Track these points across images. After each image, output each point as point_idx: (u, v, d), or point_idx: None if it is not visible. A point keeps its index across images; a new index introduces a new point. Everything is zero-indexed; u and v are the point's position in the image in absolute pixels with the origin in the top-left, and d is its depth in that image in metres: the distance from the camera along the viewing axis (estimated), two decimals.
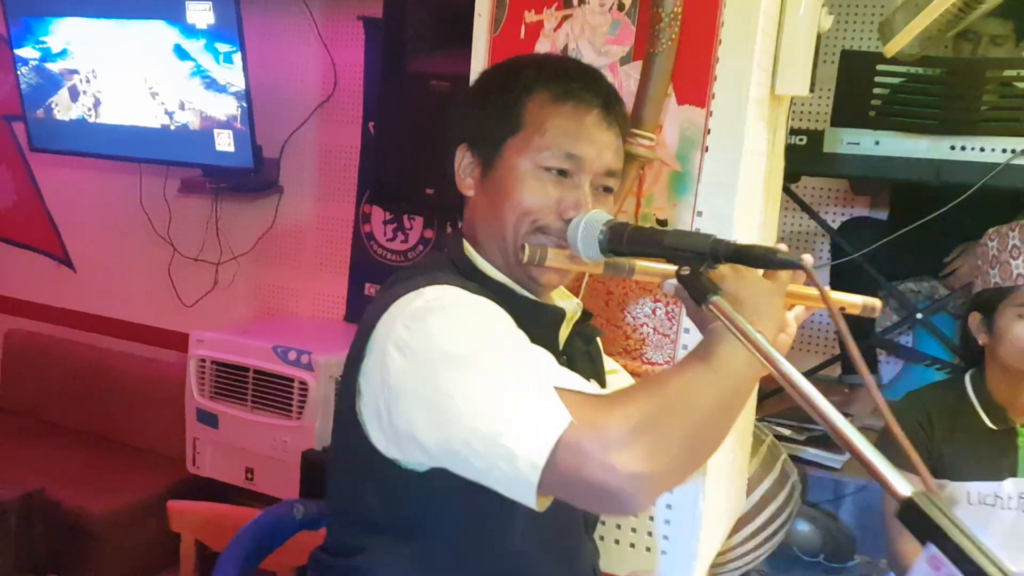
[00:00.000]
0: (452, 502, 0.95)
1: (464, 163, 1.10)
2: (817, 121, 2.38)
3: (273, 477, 3.20)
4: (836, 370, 2.80)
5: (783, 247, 0.92)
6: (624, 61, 1.41)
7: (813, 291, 1.01)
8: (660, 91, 1.36)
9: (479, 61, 1.50)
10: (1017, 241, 1.80)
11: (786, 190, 2.62)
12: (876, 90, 2.25)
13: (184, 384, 3.61)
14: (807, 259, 0.91)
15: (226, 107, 3.35)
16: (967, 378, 1.84)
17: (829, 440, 2.29)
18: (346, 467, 1.05)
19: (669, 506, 1.40)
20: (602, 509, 1.00)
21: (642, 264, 0.99)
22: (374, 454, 0.96)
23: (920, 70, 2.23)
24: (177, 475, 3.48)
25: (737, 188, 1.36)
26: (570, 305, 1.13)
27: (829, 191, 2.94)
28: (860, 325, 2.78)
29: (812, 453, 2.29)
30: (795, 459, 2.28)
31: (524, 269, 1.04)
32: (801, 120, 2.47)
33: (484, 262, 1.07)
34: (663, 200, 1.41)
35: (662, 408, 0.84)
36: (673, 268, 0.93)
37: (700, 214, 1.38)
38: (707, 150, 1.37)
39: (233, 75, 3.27)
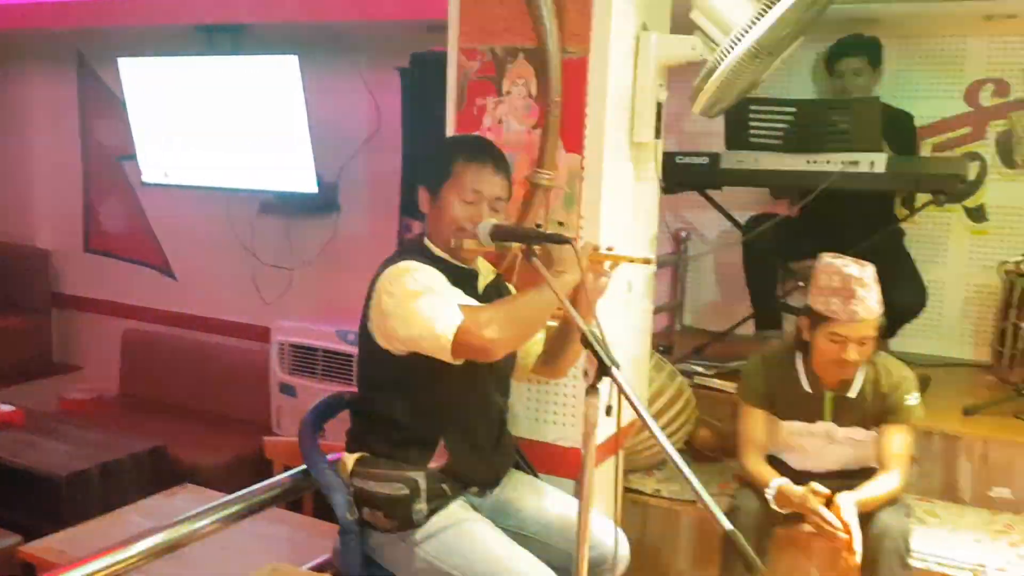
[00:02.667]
0: (418, 366, 1.87)
1: (423, 196, 2.03)
2: (718, 146, 3.24)
3: (338, 430, 4.16)
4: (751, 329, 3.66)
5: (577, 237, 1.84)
6: (534, 127, 2.33)
7: (615, 254, 1.91)
8: (554, 144, 2.28)
9: (450, 127, 2.44)
10: (836, 283, 2.33)
11: (706, 196, 3.53)
12: (751, 123, 3.11)
13: (267, 366, 4.61)
14: (587, 240, 1.82)
15: (294, 144, 4.25)
16: (798, 357, 2.51)
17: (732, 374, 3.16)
18: (364, 359, 2.00)
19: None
20: (481, 358, 1.86)
21: (514, 244, 1.93)
22: (377, 348, 1.90)
23: (781, 108, 3.10)
24: (265, 435, 4.46)
25: (602, 202, 2.27)
26: (485, 270, 2.07)
27: (754, 195, 3.78)
28: (768, 291, 3.65)
29: (717, 383, 3.18)
30: (705, 387, 3.17)
31: (455, 251, 1.97)
32: (707, 145, 3.32)
33: (435, 248, 2.00)
34: (560, 211, 2.32)
35: (506, 311, 1.78)
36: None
37: (582, 218, 2.29)
38: (583, 180, 2.28)
39: (297, 118, 4.19)
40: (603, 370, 1.61)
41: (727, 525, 1.44)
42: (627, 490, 2.81)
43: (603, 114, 2.25)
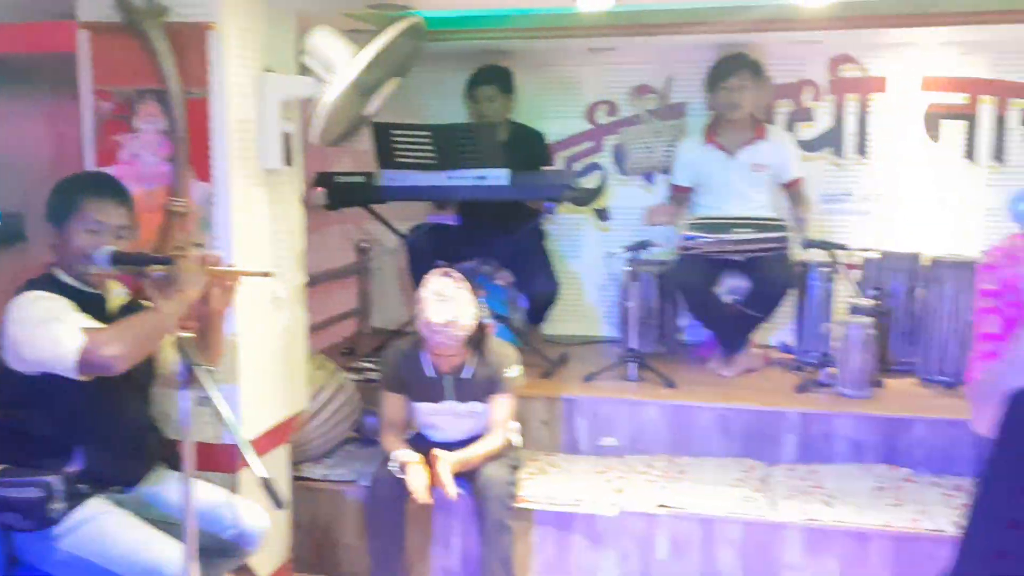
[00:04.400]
0: (50, 383, 2.08)
1: (51, 230, 2.24)
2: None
3: None
4: None
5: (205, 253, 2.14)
6: (167, 160, 2.59)
7: (232, 270, 2.23)
8: (185, 175, 2.56)
9: (89, 163, 2.65)
10: (429, 293, 2.79)
11: (370, 211, 3.92)
12: (396, 145, 3.55)
13: None
14: (193, 253, 2.12)
15: None
16: (422, 348, 2.90)
17: None
18: (6, 380, 2.19)
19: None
20: (106, 373, 2.10)
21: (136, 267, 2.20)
22: (9, 370, 2.10)
23: (418, 132, 3.55)
24: None
25: (234, 224, 2.58)
26: (117, 292, 2.32)
27: (419, 208, 4.24)
28: None
29: None
30: (374, 381, 3.56)
31: (85, 277, 2.20)
32: (363, 166, 3.72)
33: (63, 276, 2.22)
34: (198, 233, 2.60)
35: (124, 329, 2.05)
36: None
37: (216, 238, 2.59)
38: (213, 204, 2.58)
39: None
40: (191, 371, 1.93)
41: (262, 473, 1.80)
42: (298, 478, 3.14)
43: (227, 146, 2.57)
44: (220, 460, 2.64)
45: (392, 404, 2.94)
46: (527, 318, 4.20)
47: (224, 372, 2.58)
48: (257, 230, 2.74)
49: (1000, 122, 4.04)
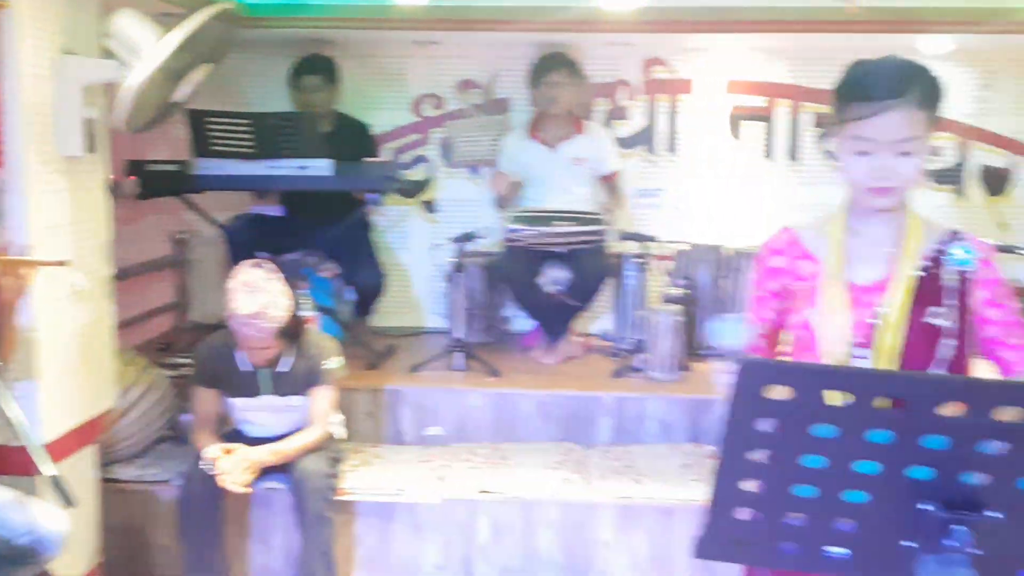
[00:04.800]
0: None
1: None
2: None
3: None
4: None
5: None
6: None
7: (25, 258, 2.10)
8: None
9: None
10: (237, 284, 2.74)
11: (185, 200, 3.78)
12: (211, 133, 3.44)
13: None
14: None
15: None
16: (235, 342, 2.86)
17: None
18: None
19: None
20: None
21: None
22: None
23: (236, 120, 3.46)
24: None
25: (29, 213, 2.43)
26: None
27: (241, 198, 4.13)
28: None
29: None
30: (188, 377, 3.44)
31: None
32: (182, 154, 3.59)
33: None
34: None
35: None
36: None
37: (8, 227, 2.43)
38: (4, 191, 2.42)
39: None
40: None
41: (51, 472, 1.73)
42: (109, 479, 2.99)
43: (20, 132, 2.41)
44: (15, 463, 2.48)
45: (204, 400, 2.86)
46: (353, 310, 4.18)
47: (19, 368, 2.44)
48: (55, 219, 2.59)
49: (794, 124, 4.38)
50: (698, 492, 3.01)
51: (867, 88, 1.53)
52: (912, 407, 1.07)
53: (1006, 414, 1.06)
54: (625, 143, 4.41)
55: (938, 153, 4.32)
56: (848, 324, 1.60)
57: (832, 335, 1.60)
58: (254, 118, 3.44)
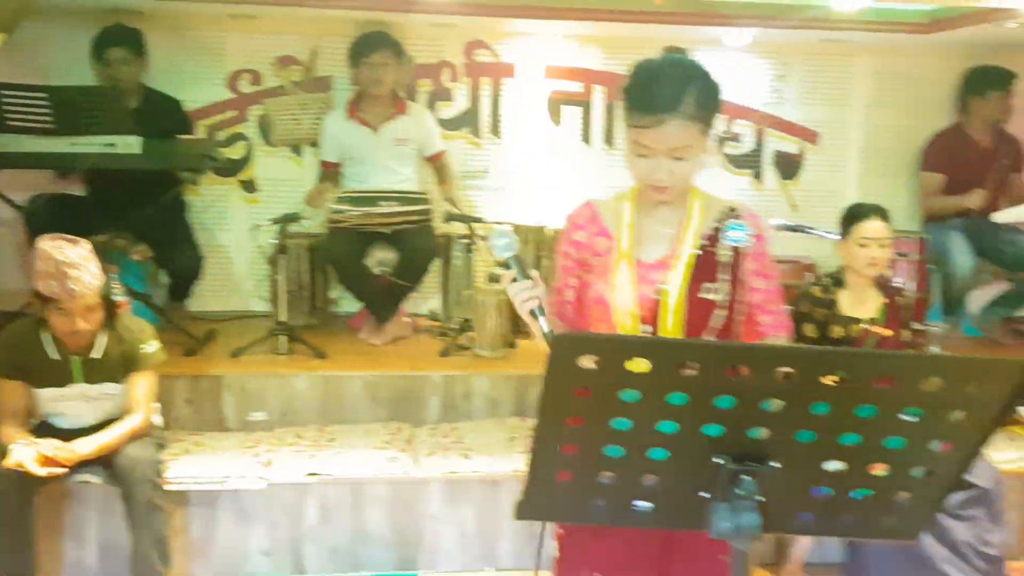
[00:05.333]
0: None
1: None
2: None
3: None
4: None
5: None
6: None
7: None
8: None
9: None
10: (51, 268, 2.51)
11: None
12: (5, 108, 3.19)
13: None
14: None
15: None
16: (43, 329, 2.67)
17: None
18: None
19: None
20: None
21: None
22: None
23: (34, 93, 3.24)
24: None
25: None
26: None
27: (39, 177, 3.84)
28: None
29: None
30: None
31: None
32: None
33: None
34: None
35: None
36: None
37: None
38: None
39: None
40: None
41: None
42: None
43: None
44: None
45: (8, 392, 2.66)
46: (168, 294, 4.02)
47: None
48: None
49: (610, 110, 4.58)
50: (523, 463, 3.14)
51: (646, 101, 1.63)
52: (704, 371, 1.18)
53: (783, 375, 1.19)
54: (449, 125, 4.45)
55: (738, 140, 4.66)
56: (634, 299, 1.73)
57: (621, 308, 1.73)
58: (52, 92, 3.23)
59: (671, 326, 1.72)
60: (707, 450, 1.24)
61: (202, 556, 2.96)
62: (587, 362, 1.18)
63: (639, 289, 1.73)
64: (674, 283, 1.72)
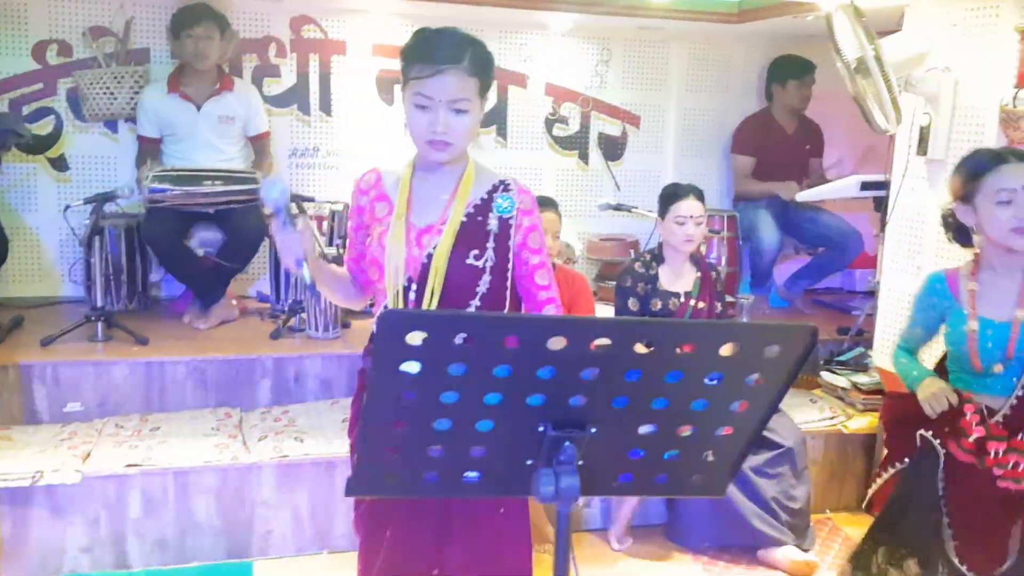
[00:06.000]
0: None
1: None
2: None
3: None
4: None
5: None
6: None
7: None
8: None
9: None
10: None
11: None
12: None
13: None
14: None
15: None
16: None
17: None
18: None
19: None
20: None
21: None
22: None
23: None
24: None
25: None
26: None
27: None
28: None
29: None
30: None
31: None
32: None
33: None
34: None
35: None
36: None
37: None
38: None
39: None
40: None
41: None
42: None
43: None
44: None
45: None
46: None
47: None
48: None
49: None
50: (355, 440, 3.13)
51: (428, 52, 1.73)
52: (525, 343, 1.23)
53: (598, 345, 1.27)
54: (277, 101, 4.33)
55: (565, 122, 4.79)
56: (403, 260, 1.81)
57: (392, 269, 1.82)
58: None
59: (437, 289, 1.81)
60: (531, 419, 1.30)
61: (15, 557, 2.78)
62: (414, 339, 1.20)
63: (409, 251, 1.82)
64: (440, 248, 1.81)
